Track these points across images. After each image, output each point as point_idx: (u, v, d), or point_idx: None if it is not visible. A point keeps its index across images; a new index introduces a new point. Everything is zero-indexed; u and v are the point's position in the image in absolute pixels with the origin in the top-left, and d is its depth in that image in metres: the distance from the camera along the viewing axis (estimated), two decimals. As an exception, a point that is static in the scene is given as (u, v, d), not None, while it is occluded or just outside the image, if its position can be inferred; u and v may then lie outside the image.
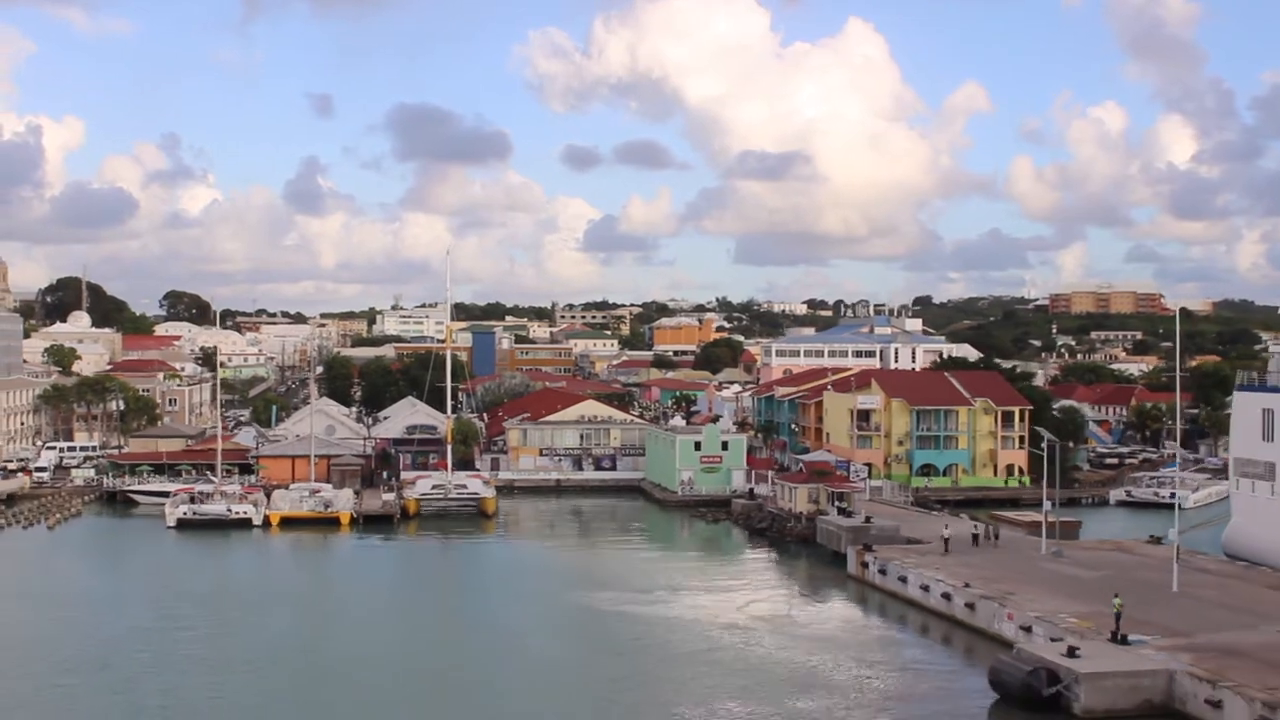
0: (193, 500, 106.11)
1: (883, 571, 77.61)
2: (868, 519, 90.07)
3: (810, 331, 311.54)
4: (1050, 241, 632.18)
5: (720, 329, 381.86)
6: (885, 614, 73.47)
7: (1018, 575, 72.32)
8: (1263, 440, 79.52)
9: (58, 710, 52.17)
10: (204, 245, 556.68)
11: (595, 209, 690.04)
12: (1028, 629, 60.04)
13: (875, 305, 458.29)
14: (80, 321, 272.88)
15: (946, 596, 69.24)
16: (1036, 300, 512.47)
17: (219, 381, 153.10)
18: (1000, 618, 62.88)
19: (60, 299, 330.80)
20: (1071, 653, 52.89)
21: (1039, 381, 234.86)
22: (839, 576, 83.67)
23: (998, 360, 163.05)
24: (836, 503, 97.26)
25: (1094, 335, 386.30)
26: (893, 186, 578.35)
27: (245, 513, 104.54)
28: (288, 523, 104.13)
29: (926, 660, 63.02)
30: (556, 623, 71.53)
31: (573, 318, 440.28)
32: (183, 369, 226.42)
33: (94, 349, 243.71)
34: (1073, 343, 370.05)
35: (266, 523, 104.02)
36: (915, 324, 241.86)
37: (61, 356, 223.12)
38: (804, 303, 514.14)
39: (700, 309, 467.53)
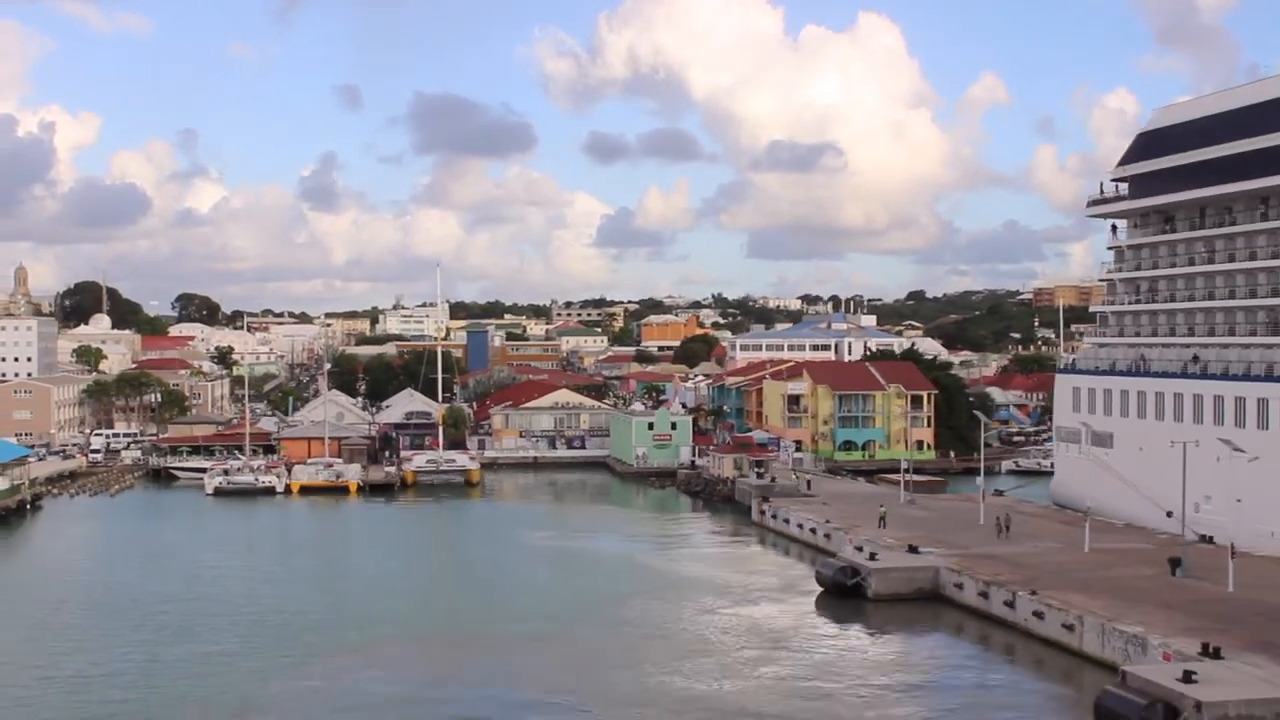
0: (226, 473, 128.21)
1: (774, 516, 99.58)
2: (773, 479, 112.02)
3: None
4: (1068, 232, 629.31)
5: (716, 325, 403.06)
6: (773, 545, 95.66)
7: (872, 517, 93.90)
8: (1073, 411, 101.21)
9: (173, 617, 72.23)
10: (214, 243, 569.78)
11: (610, 204, 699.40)
12: (859, 548, 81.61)
13: (869, 299, 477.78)
14: (101, 324, 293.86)
15: (813, 531, 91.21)
16: (1022, 295, 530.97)
17: (238, 377, 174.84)
18: (844, 543, 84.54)
19: (78, 302, 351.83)
20: (872, 557, 74.80)
21: (989, 371, 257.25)
22: (748, 522, 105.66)
23: (917, 352, 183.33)
24: (755, 468, 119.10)
25: (1073, 328, 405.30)
26: (910, 179, 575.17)
27: (270, 482, 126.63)
28: (306, 490, 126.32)
29: (789, 571, 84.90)
30: (526, 553, 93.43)
31: (569, 315, 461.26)
32: (200, 366, 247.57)
33: (117, 349, 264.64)
34: (1052, 335, 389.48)
35: (288, 490, 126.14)
36: (870, 320, 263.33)
37: (89, 356, 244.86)
38: (799, 298, 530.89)
39: (697, 305, 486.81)
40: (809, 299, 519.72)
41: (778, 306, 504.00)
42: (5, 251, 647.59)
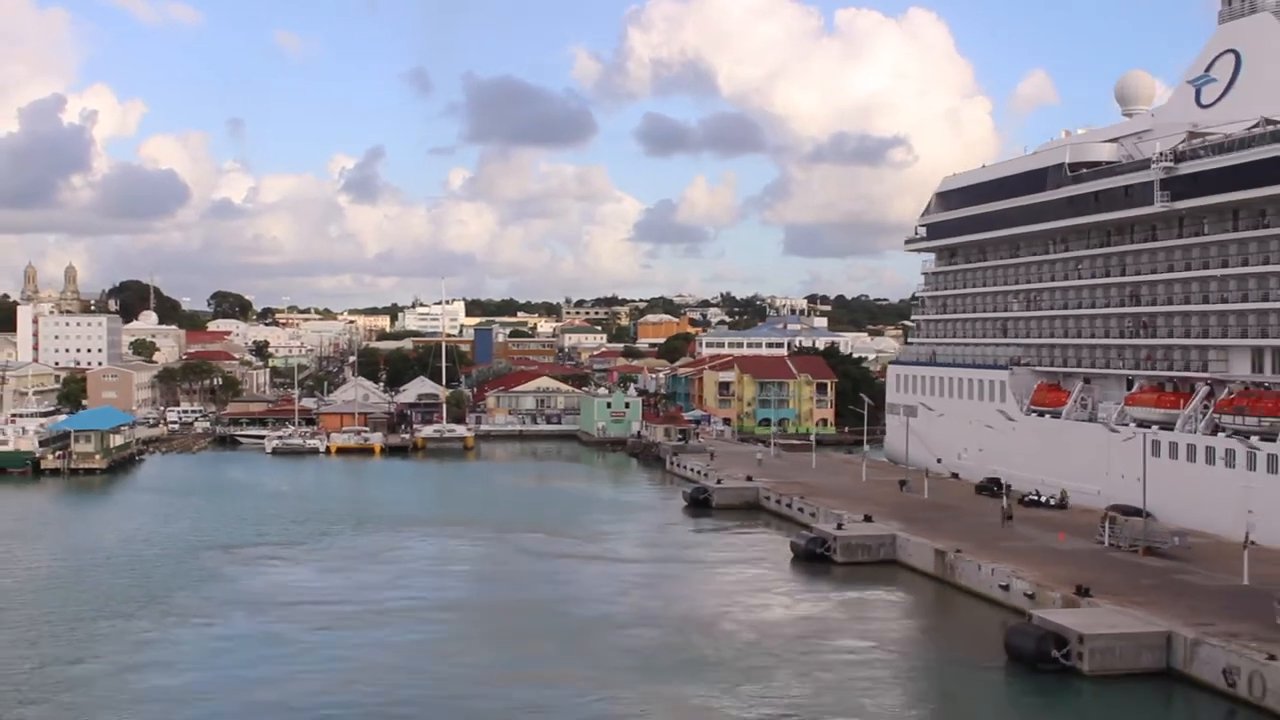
0: (281, 438, 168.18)
1: (678, 466, 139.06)
2: (685, 441, 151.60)
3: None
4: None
5: (721, 323, 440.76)
6: (674, 484, 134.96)
7: (743, 465, 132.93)
8: (897, 392, 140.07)
9: (256, 523, 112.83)
10: (247, 235, 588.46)
11: (650, 200, 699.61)
12: (719, 481, 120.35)
13: (875, 299, 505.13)
14: (150, 320, 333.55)
15: (698, 472, 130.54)
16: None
17: (274, 367, 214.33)
18: (714, 477, 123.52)
19: (124, 299, 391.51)
20: (718, 483, 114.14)
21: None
22: (664, 472, 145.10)
23: (834, 349, 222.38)
24: (679, 436, 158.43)
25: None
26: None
27: (315, 445, 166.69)
28: (342, 451, 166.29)
29: (674, 498, 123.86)
30: (508, 490, 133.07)
31: (577, 314, 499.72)
32: (243, 357, 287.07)
33: (166, 343, 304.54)
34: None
35: (328, 451, 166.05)
36: (821, 321, 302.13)
37: (145, 349, 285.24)
38: (805, 298, 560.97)
39: (705, 304, 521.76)
40: (813, 299, 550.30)
41: (785, 306, 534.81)
42: (34, 243, 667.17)
